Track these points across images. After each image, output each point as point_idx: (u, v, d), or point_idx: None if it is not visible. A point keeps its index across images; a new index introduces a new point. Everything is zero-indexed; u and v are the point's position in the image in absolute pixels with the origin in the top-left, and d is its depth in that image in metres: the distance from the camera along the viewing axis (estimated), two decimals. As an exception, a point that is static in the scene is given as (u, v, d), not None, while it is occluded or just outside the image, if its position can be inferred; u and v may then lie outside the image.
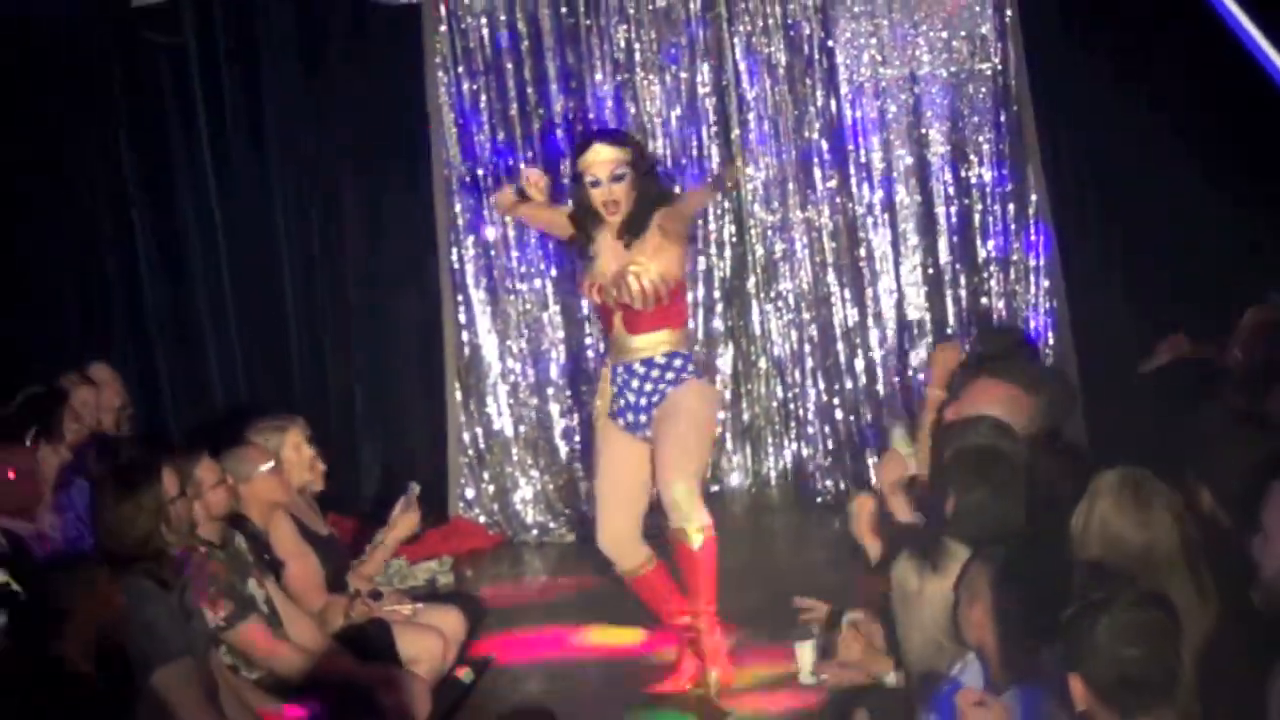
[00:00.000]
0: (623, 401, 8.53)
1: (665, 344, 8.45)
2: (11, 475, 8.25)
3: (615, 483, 8.64)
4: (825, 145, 11.89)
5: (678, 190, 9.36)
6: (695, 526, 8.23)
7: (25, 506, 8.30)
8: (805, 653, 7.24)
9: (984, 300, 11.84)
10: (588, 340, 11.85)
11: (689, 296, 11.86)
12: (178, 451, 7.68)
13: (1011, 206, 11.77)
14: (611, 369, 8.59)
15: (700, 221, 11.97)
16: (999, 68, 11.69)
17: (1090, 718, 4.40)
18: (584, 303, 11.21)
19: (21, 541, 8.16)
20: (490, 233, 11.87)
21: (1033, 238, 11.74)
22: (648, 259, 8.33)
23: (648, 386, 8.44)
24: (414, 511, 8.97)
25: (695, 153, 11.97)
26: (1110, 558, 5.10)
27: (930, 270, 11.90)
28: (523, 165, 10.68)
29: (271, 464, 8.25)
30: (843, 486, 11.76)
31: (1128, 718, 4.32)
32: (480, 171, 11.83)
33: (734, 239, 12.10)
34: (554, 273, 11.92)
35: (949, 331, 11.77)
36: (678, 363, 8.46)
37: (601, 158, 8.39)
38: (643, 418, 8.47)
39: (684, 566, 8.41)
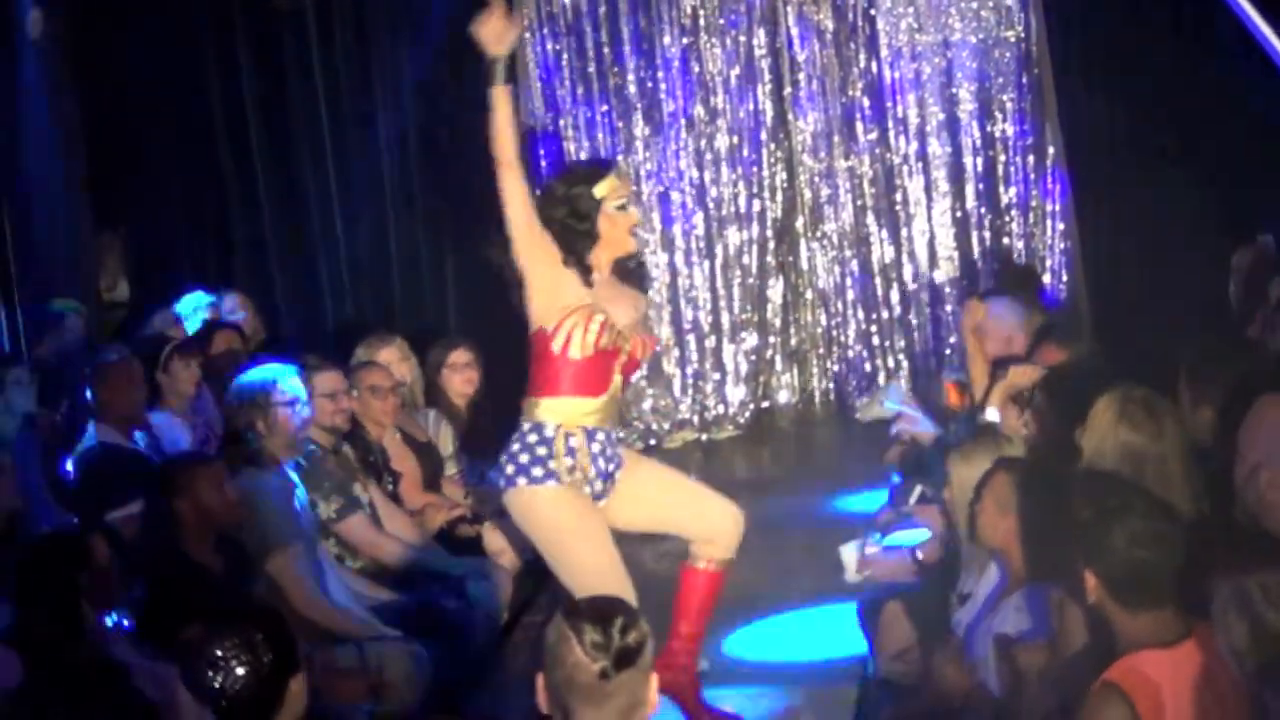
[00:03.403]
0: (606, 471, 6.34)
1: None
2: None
3: None
4: (867, 102, 11.82)
5: None
6: None
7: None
8: (849, 554, 7.17)
9: (1005, 241, 11.78)
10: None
11: (741, 236, 11.94)
12: (312, 365, 7.68)
13: (1031, 158, 11.68)
14: (603, 435, 6.31)
15: (755, 168, 11.93)
16: (1022, 34, 11.59)
17: (1099, 607, 4.37)
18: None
19: (159, 443, 8.20)
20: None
21: (1050, 186, 11.66)
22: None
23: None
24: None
25: (752, 108, 11.89)
26: (1126, 469, 5.03)
27: (958, 214, 11.83)
28: None
29: (377, 384, 8.20)
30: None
31: (1131, 610, 4.29)
32: (561, 122, 11.78)
33: (785, 184, 12.01)
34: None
35: (976, 264, 11.74)
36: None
37: (624, 182, 6.40)
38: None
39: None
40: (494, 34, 5.95)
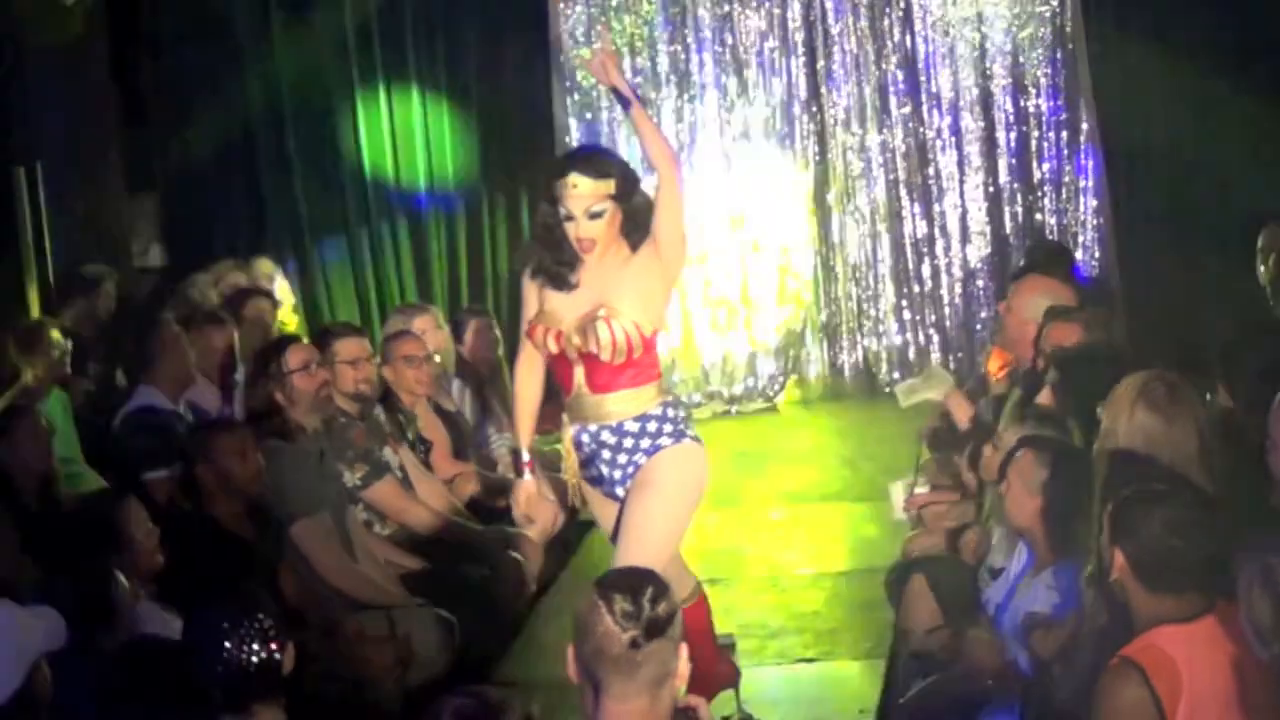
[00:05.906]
0: (595, 471, 6.02)
1: (638, 405, 5.91)
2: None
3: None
4: (900, 76, 11.83)
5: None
6: None
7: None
8: (897, 491, 7.20)
9: (1038, 216, 11.79)
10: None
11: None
12: (334, 332, 7.68)
13: (1064, 133, 11.71)
14: (575, 433, 6.00)
15: (788, 141, 11.91)
16: (1056, 9, 11.61)
17: (1120, 585, 4.35)
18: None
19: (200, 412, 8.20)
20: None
21: (1083, 161, 11.65)
22: (624, 301, 5.84)
23: (621, 458, 5.94)
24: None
25: (785, 79, 11.87)
26: (1140, 450, 4.99)
27: (991, 189, 11.83)
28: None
29: (411, 353, 8.19)
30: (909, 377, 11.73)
31: (1155, 593, 4.27)
32: (594, 92, 11.78)
33: (818, 157, 12.00)
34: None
35: (1008, 240, 11.73)
36: (652, 427, 5.91)
37: (580, 191, 5.76)
38: (619, 490, 5.96)
39: None
40: (598, 70, 5.93)
